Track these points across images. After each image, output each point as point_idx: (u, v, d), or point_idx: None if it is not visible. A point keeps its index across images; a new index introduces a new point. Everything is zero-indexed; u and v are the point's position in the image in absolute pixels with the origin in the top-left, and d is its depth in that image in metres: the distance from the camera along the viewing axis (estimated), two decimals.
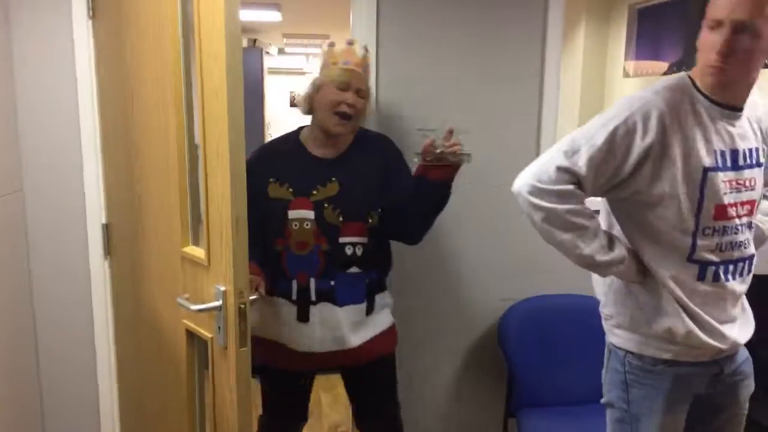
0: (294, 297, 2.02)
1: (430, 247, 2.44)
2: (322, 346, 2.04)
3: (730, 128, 1.56)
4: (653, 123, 1.50)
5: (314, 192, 2.00)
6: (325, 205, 1.99)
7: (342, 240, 2.01)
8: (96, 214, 2.30)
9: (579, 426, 2.32)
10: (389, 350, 2.19)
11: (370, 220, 2.05)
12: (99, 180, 2.29)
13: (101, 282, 2.35)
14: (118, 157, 2.18)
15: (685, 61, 4.91)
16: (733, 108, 1.56)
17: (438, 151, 1.86)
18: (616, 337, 1.72)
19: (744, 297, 1.69)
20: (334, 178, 2.01)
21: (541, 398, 2.43)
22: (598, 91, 6.13)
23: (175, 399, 1.95)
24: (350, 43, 2.04)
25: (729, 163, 1.54)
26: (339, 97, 1.96)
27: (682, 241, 1.55)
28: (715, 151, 1.53)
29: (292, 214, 1.98)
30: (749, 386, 1.75)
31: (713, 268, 1.56)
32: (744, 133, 1.58)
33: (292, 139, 2.12)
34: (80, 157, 2.26)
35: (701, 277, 1.56)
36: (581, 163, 1.50)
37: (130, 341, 2.30)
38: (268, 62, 8.77)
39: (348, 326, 2.04)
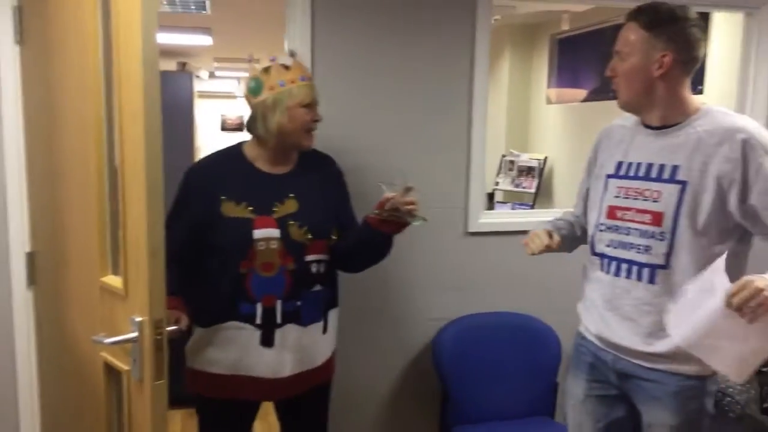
0: (259, 321, 1.86)
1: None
2: (287, 369, 1.89)
3: (651, 144, 1.64)
4: (594, 145, 1.86)
5: (274, 209, 1.86)
6: (290, 222, 1.86)
7: (308, 258, 1.88)
8: (20, 242, 2.12)
9: None
10: (332, 374, 2.08)
11: (333, 237, 1.96)
12: (23, 207, 2.11)
13: (24, 312, 2.15)
14: (44, 184, 2.03)
15: (602, 89, 5.03)
16: (660, 126, 1.64)
17: (394, 207, 1.81)
18: None
19: (668, 313, 1.57)
20: (291, 194, 1.89)
21: (475, 414, 2.39)
22: (523, 118, 6.23)
23: (95, 429, 1.79)
24: (292, 54, 1.93)
25: (628, 173, 1.68)
26: (308, 116, 1.88)
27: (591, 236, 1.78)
28: (619, 162, 1.70)
29: (258, 233, 1.82)
30: (650, 407, 1.65)
31: (607, 260, 1.70)
32: (666, 149, 1.61)
33: (235, 155, 1.95)
34: (4, 184, 2.09)
35: (602, 269, 1.71)
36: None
37: (54, 374, 2.11)
38: (199, 86, 8.62)
39: (313, 345, 1.93)
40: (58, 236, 1.94)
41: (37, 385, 2.20)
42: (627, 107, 1.68)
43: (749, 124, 1.58)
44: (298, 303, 1.87)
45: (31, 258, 2.13)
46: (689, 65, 1.60)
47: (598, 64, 5.12)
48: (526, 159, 5.85)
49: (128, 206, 1.52)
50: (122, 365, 1.59)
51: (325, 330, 1.97)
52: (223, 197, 1.84)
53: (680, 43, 1.56)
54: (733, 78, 2.90)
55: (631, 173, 1.66)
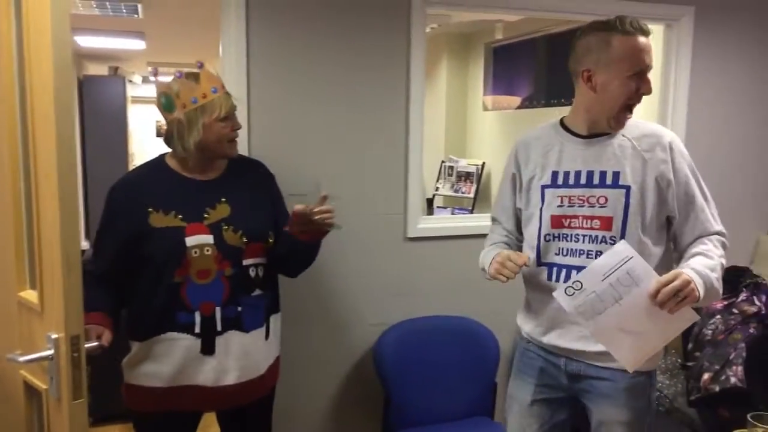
0: (198, 330, 1.78)
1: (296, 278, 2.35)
2: (230, 378, 1.82)
3: (584, 152, 1.67)
4: (512, 159, 1.81)
5: (206, 215, 1.80)
6: (224, 227, 1.80)
7: (246, 262, 1.83)
8: None
9: None
10: (276, 382, 2.02)
11: (270, 240, 1.91)
12: None
13: None
14: None
15: (535, 97, 5.14)
16: (588, 135, 1.68)
17: (309, 218, 1.77)
18: None
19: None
20: (223, 199, 1.84)
21: (416, 417, 2.38)
22: (461, 124, 6.29)
23: None
24: (201, 65, 1.83)
25: (567, 181, 1.67)
26: (227, 129, 1.82)
27: (535, 247, 1.72)
28: (554, 172, 1.69)
29: (191, 241, 1.76)
30: (602, 405, 1.68)
31: (556, 269, 1.68)
32: (603, 157, 1.65)
33: (158, 166, 1.88)
34: None
35: (550, 278, 1.68)
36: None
37: None
38: (132, 91, 8.37)
39: (257, 352, 1.87)
40: None
41: None
42: (593, 131, 1.69)
43: (666, 130, 1.71)
44: (239, 309, 1.82)
45: None
46: None
47: (531, 72, 5.24)
48: (464, 165, 5.90)
49: (42, 218, 1.42)
50: (41, 384, 1.49)
51: (267, 336, 1.92)
52: (150, 209, 1.77)
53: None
54: (655, 86, 2.99)
55: (571, 182, 1.67)
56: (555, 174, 1.69)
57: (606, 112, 1.64)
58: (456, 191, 5.88)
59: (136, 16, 4.28)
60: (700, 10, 2.76)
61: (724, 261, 1.63)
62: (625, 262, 1.49)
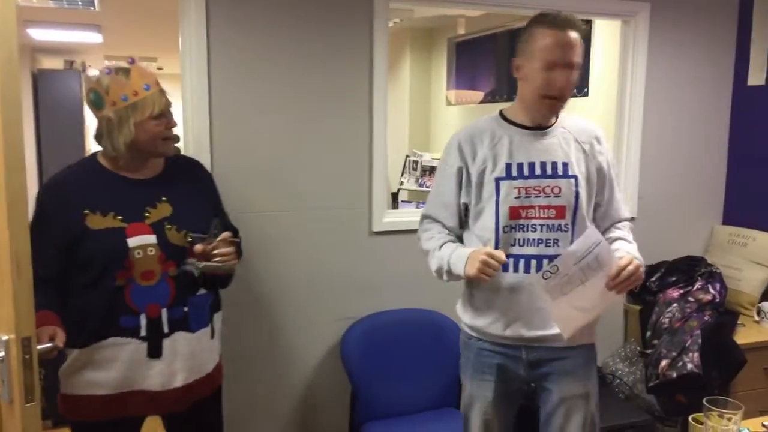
0: (144, 333, 1.72)
1: (262, 263, 2.34)
2: (178, 380, 1.76)
3: (534, 144, 1.72)
4: (455, 154, 1.76)
5: (147, 215, 1.73)
6: (167, 226, 1.74)
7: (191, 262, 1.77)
8: None
9: (420, 431, 2.30)
10: (221, 381, 1.97)
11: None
12: None
13: None
14: None
15: (497, 91, 5.17)
16: (534, 127, 1.73)
17: (205, 257, 1.73)
18: None
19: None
20: (164, 198, 1.77)
21: (383, 410, 2.38)
22: (425, 119, 6.31)
23: None
24: (132, 61, 1.74)
25: (522, 173, 1.70)
26: (160, 127, 1.73)
27: (492, 240, 1.70)
28: (508, 164, 1.70)
29: (133, 242, 1.68)
30: (563, 383, 1.73)
31: (513, 259, 1.69)
32: (551, 148, 1.71)
33: (91, 166, 1.78)
34: None
35: (506, 269, 1.69)
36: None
37: None
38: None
39: (204, 351, 1.82)
40: None
41: None
42: (541, 123, 1.74)
43: (594, 124, 1.82)
44: (185, 309, 1.76)
45: None
46: None
47: (493, 67, 5.27)
48: (428, 159, 5.91)
49: None
50: None
51: (212, 335, 1.88)
52: (86, 211, 1.68)
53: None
54: (613, 80, 3.03)
55: (526, 173, 1.69)
56: (509, 166, 1.70)
57: (528, 102, 1.70)
58: (420, 185, 5.89)
59: (92, 8, 4.16)
60: (655, 7, 2.81)
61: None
62: (595, 247, 1.58)
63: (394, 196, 5.82)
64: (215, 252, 1.73)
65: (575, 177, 1.69)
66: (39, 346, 1.38)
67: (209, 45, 2.21)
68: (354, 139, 2.43)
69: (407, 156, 6.06)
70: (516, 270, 1.69)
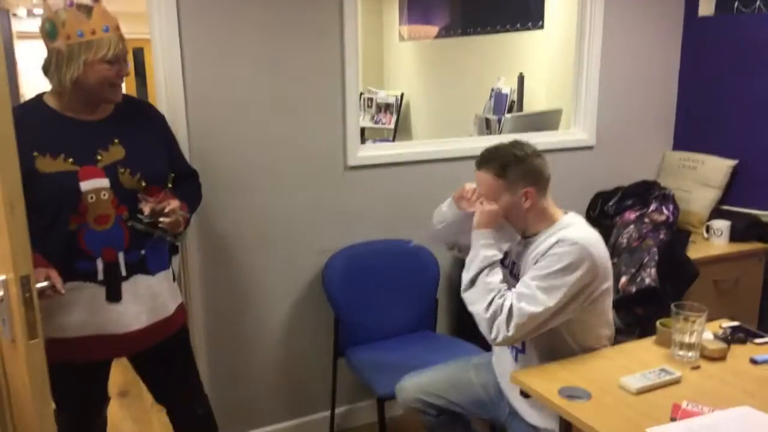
0: (101, 277, 1.71)
1: (242, 205, 2.35)
2: (140, 322, 1.78)
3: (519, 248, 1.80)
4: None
5: (99, 158, 1.69)
6: (121, 170, 1.70)
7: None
8: None
9: (400, 352, 2.39)
10: (185, 321, 1.99)
11: (169, 184, 1.84)
12: None
13: None
14: None
15: (452, 26, 5.15)
16: (524, 236, 1.79)
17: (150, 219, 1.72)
18: None
19: None
20: (116, 140, 1.72)
21: (365, 335, 2.47)
22: (377, 56, 6.24)
23: None
24: (96, 0, 1.67)
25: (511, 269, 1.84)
26: (111, 72, 1.67)
27: None
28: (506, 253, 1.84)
29: (85, 185, 1.65)
30: None
31: None
32: (523, 254, 1.77)
33: (37, 107, 1.72)
34: None
35: None
36: None
37: None
38: (17, 25, 7.67)
39: (164, 293, 1.83)
40: None
41: None
42: (523, 233, 1.77)
43: (581, 237, 1.65)
44: (143, 252, 1.77)
45: None
46: (545, 186, 1.74)
47: (447, 1, 5.23)
48: (383, 96, 5.89)
49: None
50: None
51: (174, 278, 1.90)
52: (35, 153, 1.63)
53: (533, 176, 1.70)
54: (570, 14, 3.07)
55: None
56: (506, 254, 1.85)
57: None
58: (376, 122, 5.89)
59: None
60: None
61: None
62: None
63: None
64: (162, 217, 1.71)
65: None
66: (37, 285, 1.38)
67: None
68: (326, 73, 2.40)
69: (361, 93, 6.02)
70: None
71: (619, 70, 2.98)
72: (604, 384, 1.54)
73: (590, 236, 1.67)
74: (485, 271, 1.67)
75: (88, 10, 1.64)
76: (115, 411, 2.80)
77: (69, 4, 1.64)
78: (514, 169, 1.69)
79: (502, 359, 1.87)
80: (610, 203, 2.95)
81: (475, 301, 1.65)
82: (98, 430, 2.01)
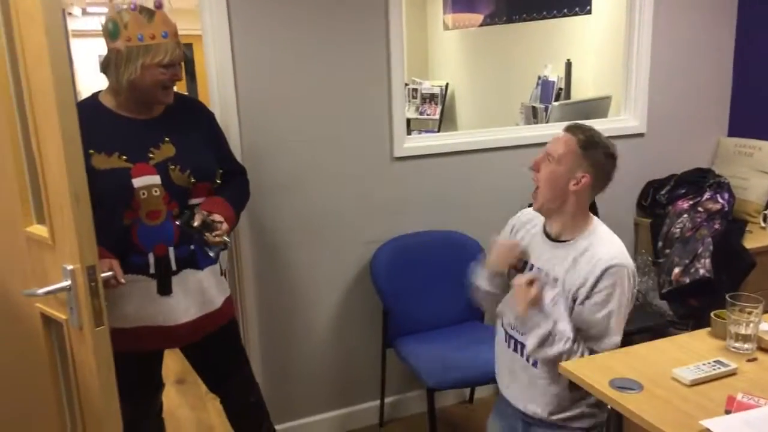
0: (152, 270, 1.78)
1: (291, 199, 2.39)
2: (189, 315, 1.85)
3: (547, 251, 1.75)
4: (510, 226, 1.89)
5: (151, 155, 1.76)
6: (171, 167, 1.77)
7: (193, 202, 1.83)
8: None
9: (449, 343, 2.41)
10: (233, 314, 2.05)
11: (217, 180, 1.90)
12: None
13: None
14: None
15: (497, 13, 5.09)
16: (555, 239, 1.75)
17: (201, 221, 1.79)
18: None
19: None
20: (167, 138, 1.79)
21: (413, 326, 2.49)
22: (422, 45, 6.21)
23: (39, 385, 1.70)
24: (159, 5, 1.74)
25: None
26: (164, 76, 1.74)
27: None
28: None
29: (138, 182, 1.72)
30: None
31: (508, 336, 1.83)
32: (553, 259, 1.74)
33: (93, 106, 1.79)
34: None
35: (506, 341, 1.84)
36: None
37: None
38: (72, 24, 7.88)
39: (212, 287, 1.89)
40: None
41: None
42: (541, 210, 1.74)
43: (615, 256, 1.65)
44: (192, 247, 1.83)
45: None
46: (596, 191, 1.72)
47: None
48: (428, 86, 5.87)
49: (44, 155, 1.39)
50: (60, 315, 1.51)
51: (222, 272, 1.96)
52: (91, 151, 1.69)
53: (600, 171, 1.67)
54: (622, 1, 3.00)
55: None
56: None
57: None
58: (421, 113, 5.87)
59: None
60: None
61: None
62: None
63: None
64: (207, 231, 1.78)
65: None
66: (102, 274, 1.45)
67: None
68: (371, 65, 2.42)
69: (406, 84, 6.00)
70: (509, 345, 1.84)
71: (671, 53, 2.90)
72: (656, 375, 1.52)
73: (623, 250, 1.68)
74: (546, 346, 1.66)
75: (150, 15, 1.70)
76: (172, 397, 2.92)
77: (132, 7, 1.71)
78: (595, 153, 1.67)
79: (511, 366, 1.85)
80: (663, 192, 2.89)
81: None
82: (154, 416, 2.10)
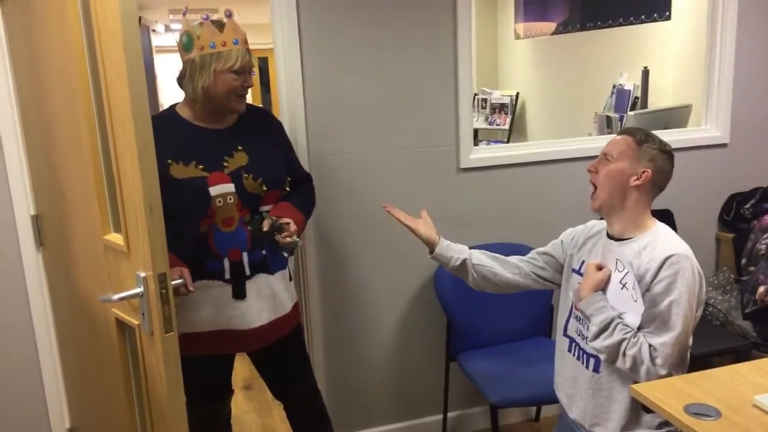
0: (227, 276, 1.85)
1: (355, 208, 2.41)
2: (262, 319, 1.90)
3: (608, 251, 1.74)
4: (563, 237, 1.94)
5: (225, 164, 1.83)
6: (245, 175, 1.83)
7: (263, 209, 1.89)
8: (23, 205, 2.12)
9: (514, 359, 2.36)
10: (299, 320, 2.09)
11: (287, 188, 1.95)
12: (24, 171, 2.10)
13: (36, 274, 2.16)
14: (39, 147, 1.98)
15: (570, 21, 4.99)
16: (617, 238, 1.74)
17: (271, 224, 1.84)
18: None
19: None
20: (239, 147, 1.86)
21: (478, 340, 2.46)
22: (492, 55, 6.17)
23: (114, 388, 1.79)
24: (230, 15, 1.81)
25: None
26: (237, 82, 1.81)
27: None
28: (583, 261, 1.81)
29: (214, 190, 1.79)
30: None
31: (574, 344, 1.81)
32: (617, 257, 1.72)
33: (170, 117, 1.88)
34: (0, 148, 2.07)
35: (570, 350, 1.82)
36: None
37: (69, 333, 2.11)
38: (156, 40, 8.21)
39: (283, 291, 1.94)
40: (58, 197, 1.90)
41: (56, 344, 2.23)
42: (601, 208, 1.73)
43: (677, 247, 1.62)
44: (263, 252, 1.88)
45: (37, 220, 2.13)
46: (656, 190, 1.72)
47: None
48: (498, 96, 5.82)
49: (122, 167, 1.47)
50: (133, 320, 1.58)
51: (290, 277, 2.00)
52: (169, 161, 1.78)
53: (659, 166, 1.69)
54: (702, 13, 2.87)
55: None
56: (583, 263, 1.81)
57: None
58: (491, 123, 5.82)
59: None
60: None
61: None
62: None
63: None
64: (280, 230, 1.82)
65: None
66: (173, 282, 1.51)
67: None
68: (439, 74, 2.42)
69: (475, 94, 5.97)
70: (573, 354, 1.82)
71: (756, 59, 2.75)
72: (735, 402, 1.43)
73: (687, 247, 1.63)
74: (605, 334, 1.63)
75: (220, 25, 1.79)
76: (239, 403, 2.99)
77: (205, 18, 1.80)
78: (650, 148, 1.69)
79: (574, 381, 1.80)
80: (747, 206, 2.73)
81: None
82: (223, 421, 2.15)
